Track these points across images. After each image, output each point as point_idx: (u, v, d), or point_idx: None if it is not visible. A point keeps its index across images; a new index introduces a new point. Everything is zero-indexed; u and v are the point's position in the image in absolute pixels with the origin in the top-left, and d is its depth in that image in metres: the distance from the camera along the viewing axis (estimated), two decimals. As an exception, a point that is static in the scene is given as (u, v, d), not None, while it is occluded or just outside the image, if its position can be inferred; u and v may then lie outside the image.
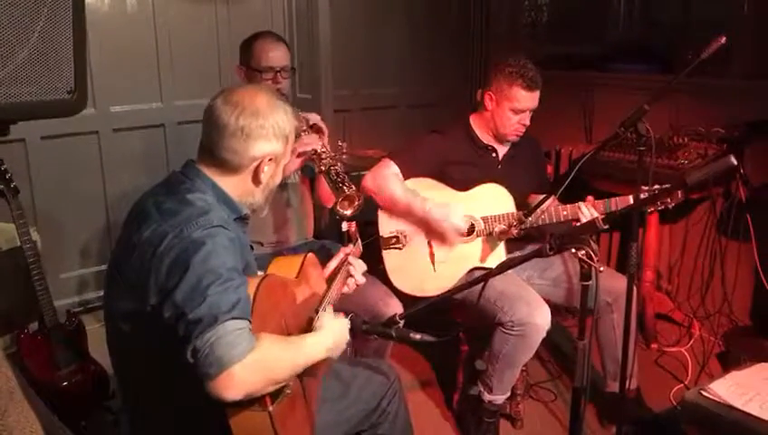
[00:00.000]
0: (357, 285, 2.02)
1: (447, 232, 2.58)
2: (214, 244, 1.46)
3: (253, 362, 1.34)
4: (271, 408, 1.43)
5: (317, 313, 1.74)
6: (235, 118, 1.60)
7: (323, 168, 2.37)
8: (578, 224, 2.50)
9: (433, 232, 2.62)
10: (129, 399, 1.72)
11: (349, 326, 1.71)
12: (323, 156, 2.40)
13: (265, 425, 1.43)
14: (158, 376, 1.58)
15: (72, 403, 2.58)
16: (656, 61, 3.88)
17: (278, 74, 2.60)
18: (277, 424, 1.44)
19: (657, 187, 2.34)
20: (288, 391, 1.51)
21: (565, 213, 2.56)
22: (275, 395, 1.45)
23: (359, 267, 2.01)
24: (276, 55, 2.61)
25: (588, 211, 2.51)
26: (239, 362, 1.31)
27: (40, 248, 2.99)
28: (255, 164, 1.65)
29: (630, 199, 2.50)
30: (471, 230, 2.65)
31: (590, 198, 2.57)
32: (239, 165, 1.64)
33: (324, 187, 2.65)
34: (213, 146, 1.64)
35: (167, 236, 1.48)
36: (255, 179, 1.68)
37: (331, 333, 1.64)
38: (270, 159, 1.66)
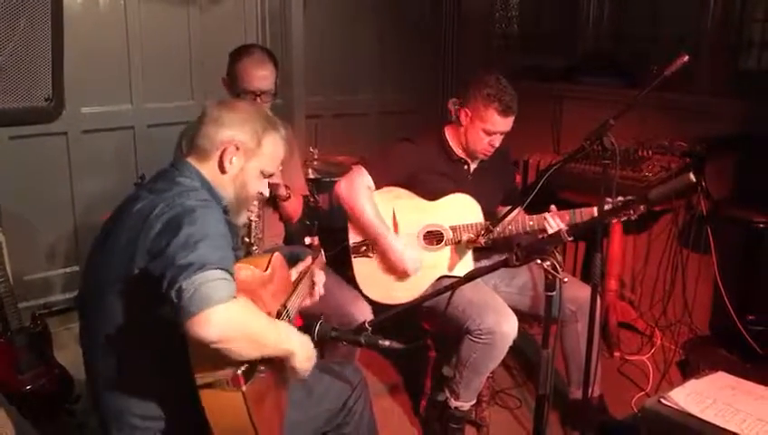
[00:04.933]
0: (318, 296, 2.07)
1: (401, 267, 2.64)
2: (204, 211, 1.55)
3: (234, 309, 1.40)
4: (244, 388, 1.46)
5: (285, 308, 1.76)
6: (215, 109, 1.76)
7: (248, 239, 2.42)
8: (544, 235, 2.55)
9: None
10: (100, 385, 1.68)
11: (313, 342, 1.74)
12: (254, 226, 2.44)
13: (239, 404, 1.47)
14: (134, 354, 1.60)
15: (36, 407, 2.55)
16: (623, 74, 3.97)
17: (258, 98, 2.57)
18: (250, 403, 1.48)
19: (620, 199, 2.39)
20: (261, 375, 1.53)
21: (531, 223, 2.61)
22: (248, 376, 1.48)
23: (320, 279, 2.07)
24: (257, 77, 2.57)
25: (554, 222, 2.56)
26: (222, 304, 1.37)
27: (5, 250, 2.97)
28: (222, 149, 1.73)
29: (595, 211, 2.55)
30: (440, 240, 2.68)
31: (553, 207, 2.62)
32: (209, 150, 1.74)
33: (286, 206, 2.75)
34: (194, 135, 1.76)
35: (158, 205, 1.56)
36: (221, 166, 1.74)
37: (302, 335, 1.69)
38: (236, 148, 1.73)
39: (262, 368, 1.54)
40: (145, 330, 1.57)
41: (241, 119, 1.75)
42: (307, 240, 2.20)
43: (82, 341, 1.71)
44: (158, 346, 1.56)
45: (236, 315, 1.41)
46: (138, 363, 1.62)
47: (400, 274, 2.66)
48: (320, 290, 2.05)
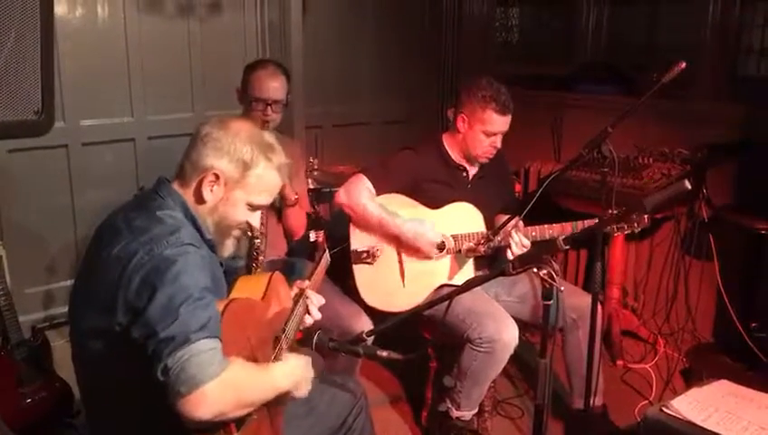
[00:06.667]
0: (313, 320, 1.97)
1: (423, 247, 2.62)
2: (185, 262, 1.45)
3: (224, 383, 1.34)
4: None
5: (284, 332, 1.74)
6: (206, 126, 1.63)
7: (249, 233, 2.36)
8: (508, 250, 2.55)
9: (405, 247, 2.65)
10: (93, 416, 1.71)
11: (310, 362, 1.71)
12: (256, 235, 2.36)
13: None
14: (124, 394, 1.56)
15: (36, 421, 2.55)
16: (622, 82, 3.97)
17: (269, 107, 2.60)
18: None
19: (613, 212, 2.36)
20: (254, 417, 1.51)
21: (534, 234, 2.61)
22: (240, 422, 1.45)
23: (316, 302, 1.94)
24: (270, 87, 2.61)
25: (517, 238, 2.55)
26: (211, 381, 1.32)
27: (5, 263, 2.97)
28: (200, 177, 1.61)
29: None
30: (441, 247, 2.68)
31: (520, 223, 2.58)
32: (189, 175, 1.63)
33: (291, 218, 2.73)
34: (182, 157, 1.65)
35: (137, 253, 1.46)
36: (198, 194, 1.62)
37: (297, 365, 1.66)
38: (215, 175, 1.60)
39: (254, 416, 1.51)
40: (130, 384, 1.51)
41: (229, 142, 1.60)
42: (312, 236, 2.18)
43: (74, 362, 1.67)
44: (145, 399, 1.48)
45: (228, 389, 1.35)
46: (123, 412, 1.58)
47: (401, 280, 2.66)
48: (315, 315, 1.93)
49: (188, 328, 1.35)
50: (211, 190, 1.62)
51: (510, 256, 2.54)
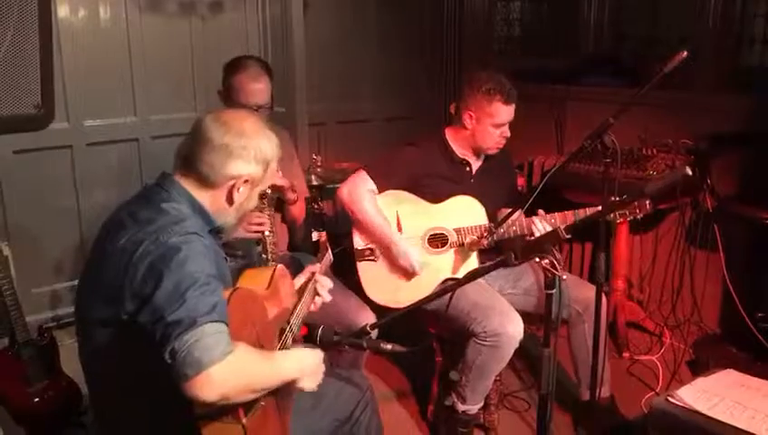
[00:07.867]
0: (323, 303, 2.04)
1: (406, 264, 2.64)
2: (190, 249, 1.48)
3: (230, 366, 1.35)
4: (244, 420, 1.44)
5: (288, 324, 1.75)
6: (220, 134, 1.65)
7: (264, 255, 2.42)
8: (532, 238, 2.55)
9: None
10: (101, 412, 1.72)
11: (321, 355, 1.72)
12: (269, 242, 2.44)
13: None
14: (131, 387, 1.57)
15: (44, 420, 2.56)
16: (625, 74, 3.96)
17: (255, 112, 2.57)
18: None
19: (616, 199, 2.37)
20: (262, 403, 1.52)
21: (553, 221, 2.60)
22: (249, 408, 1.46)
23: (325, 285, 2.00)
24: (254, 91, 2.58)
25: (542, 225, 2.56)
26: (217, 363, 1.33)
27: (12, 263, 2.98)
28: (231, 183, 1.68)
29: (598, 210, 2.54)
30: (444, 242, 2.68)
31: (541, 211, 2.59)
32: (215, 181, 1.67)
33: (292, 209, 2.73)
34: (193, 158, 1.66)
35: (142, 242, 1.49)
36: (229, 198, 1.70)
37: (304, 355, 1.68)
38: (246, 181, 1.68)
39: (262, 402, 1.52)
40: (136, 376, 1.53)
41: (252, 148, 1.66)
42: (314, 236, 2.19)
43: (80, 356, 1.68)
44: (152, 392, 1.51)
45: (234, 372, 1.36)
46: (131, 407, 1.60)
47: (405, 276, 2.66)
48: (325, 297, 2.00)
49: (196, 312, 1.37)
50: (238, 191, 1.69)
51: None
